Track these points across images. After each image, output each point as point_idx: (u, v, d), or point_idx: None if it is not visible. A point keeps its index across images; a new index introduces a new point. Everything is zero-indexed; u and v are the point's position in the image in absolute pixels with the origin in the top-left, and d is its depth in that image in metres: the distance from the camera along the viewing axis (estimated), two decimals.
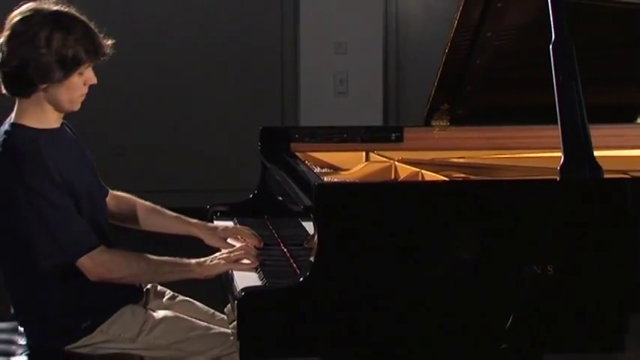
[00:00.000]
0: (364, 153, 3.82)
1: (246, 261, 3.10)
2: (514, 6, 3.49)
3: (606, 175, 2.81)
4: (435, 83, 3.66)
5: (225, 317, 3.22)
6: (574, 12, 2.95)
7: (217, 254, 3.16)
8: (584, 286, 2.77)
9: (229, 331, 3.10)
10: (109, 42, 3.08)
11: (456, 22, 3.50)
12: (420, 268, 2.70)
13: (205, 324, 3.22)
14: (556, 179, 2.80)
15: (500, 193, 2.82)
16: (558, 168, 2.79)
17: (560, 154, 2.80)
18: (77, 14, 3.06)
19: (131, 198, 3.43)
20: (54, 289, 3.09)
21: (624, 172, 3.07)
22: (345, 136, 3.84)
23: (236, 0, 8.61)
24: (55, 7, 3.04)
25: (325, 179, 3.37)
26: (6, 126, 3.08)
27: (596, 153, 2.80)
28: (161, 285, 3.39)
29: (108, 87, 8.10)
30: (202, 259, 3.14)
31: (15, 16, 3.02)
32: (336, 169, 3.71)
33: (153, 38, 8.41)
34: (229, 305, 2.92)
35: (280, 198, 3.61)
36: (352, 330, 2.69)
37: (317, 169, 3.59)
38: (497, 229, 2.75)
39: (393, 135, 3.85)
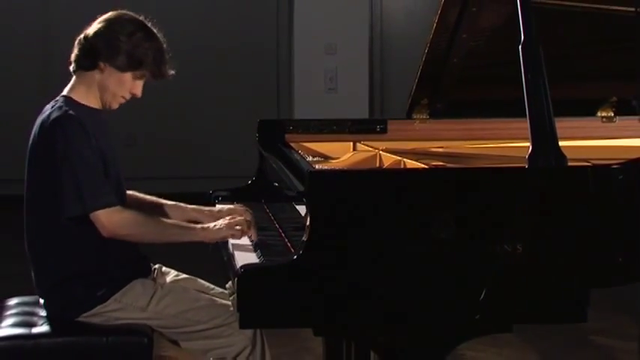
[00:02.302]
0: (352, 143, 3.82)
1: (243, 229, 3.12)
2: (487, 10, 3.48)
3: (570, 164, 2.81)
4: (416, 80, 3.66)
5: (226, 291, 3.22)
6: (541, 15, 2.95)
7: (220, 221, 3.17)
8: (550, 264, 2.77)
9: (229, 302, 3.11)
10: (172, 72, 3.23)
11: (435, 25, 3.50)
12: (401, 247, 2.70)
13: (208, 296, 3.23)
14: (525, 167, 2.80)
15: (474, 179, 2.82)
16: (527, 157, 2.79)
17: (528, 144, 2.80)
18: (161, 34, 3.22)
19: (137, 195, 3.43)
20: (72, 257, 3.11)
21: (586, 161, 3.08)
22: (335, 127, 3.83)
23: (236, 6, 8.64)
24: (147, 21, 3.21)
25: (317, 167, 3.37)
26: (59, 98, 3.18)
27: (560, 143, 2.80)
28: (166, 266, 3.39)
29: None
30: (206, 225, 3.17)
31: (111, 12, 3.19)
32: (326, 158, 3.70)
33: (164, 42, 8.42)
34: (230, 282, 2.92)
35: (276, 184, 3.60)
36: (339, 302, 2.69)
37: (309, 158, 3.59)
38: (471, 212, 2.75)
39: (378, 127, 3.84)
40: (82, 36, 3.16)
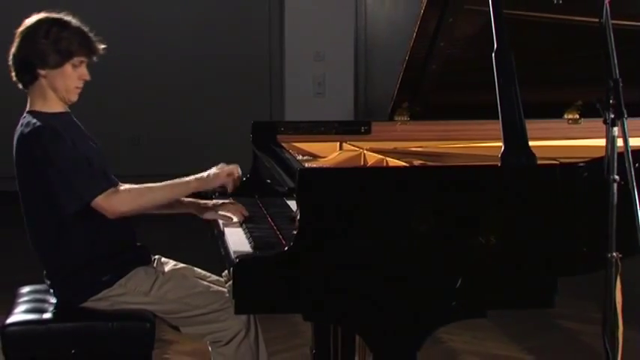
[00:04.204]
0: (338, 143, 3.80)
1: (233, 216, 3.15)
2: (463, 21, 3.48)
3: (539, 162, 2.80)
4: (397, 85, 3.65)
5: (222, 279, 3.22)
6: (513, 25, 2.94)
7: (212, 170, 3.20)
8: (520, 254, 2.77)
9: (225, 289, 3.10)
10: (102, 46, 3.14)
11: (415, 34, 3.49)
12: (384, 239, 2.69)
13: (206, 283, 3.22)
14: (498, 165, 2.79)
15: (451, 176, 2.81)
16: (499, 156, 2.78)
17: (501, 144, 2.80)
18: (75, 20, 3.13)
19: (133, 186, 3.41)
20: (74, 250, 3.09)
21: (554, 159, 3.07)
22: (323, 129, 3.82)
23: (232, 17, 8.66)
24: (57, 15, 3.13)
25: (306, 165, 3.36)
26: (25, 115, 3.14)
27: (530, 143, 2.79)
28: (165, 257, 3.38)
29: (127, 90, 8.12)
30: (199, 175, 3.20)
31: (24, 23, 3.13)
32: (315, 157, 3.69)
33: (167, 51, 8.46)
34: (226, 271, 2.90)
35: (269, 181, 3.59)
36: (327, 290, 2.68)
37: (299, 157, 3.57)
38: (449, 206, 2.74)
39: (362, 128, 3.83)
40: (10, 57, 3.12)
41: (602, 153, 2.70)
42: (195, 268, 3.34)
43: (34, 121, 3.07)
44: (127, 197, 3.06)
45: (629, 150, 2.65)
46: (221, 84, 8.65)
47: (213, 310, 3.12)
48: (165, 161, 8.49)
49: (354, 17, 8.52)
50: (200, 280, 3.23)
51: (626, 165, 2.63)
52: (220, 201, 3.43)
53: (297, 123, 3.91)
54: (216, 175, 3.17)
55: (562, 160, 3.03)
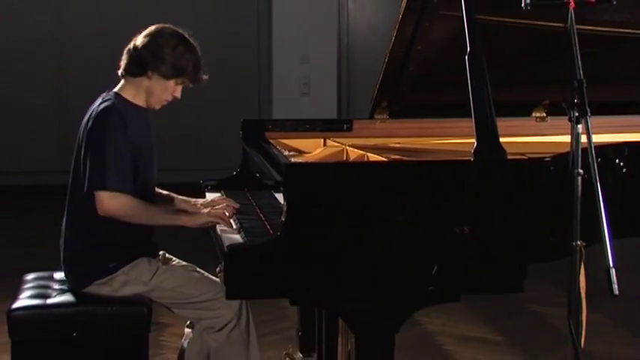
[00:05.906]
0: (322, 140, 3.81)
1: (224, 215, 3.09)
2: (438, 25, 3.48)
3: (509, 157, 2.81)
4: (377, 85, 3.65)
5: (217, 272, 3.21)
6: (484, 30, 2.95)
7: (203, 210, 3.16)
8: (491, 243, 2.77)
9: (218, 280, 3.10)
10: (205, 77, 3.21)
11: (393, 38, 3.49)
12: (365, 229, 2.69)
13: (200, 274, 3.22)
14: (470, 160, 2.80)
15: (427, 170, 2.82)
16: (472, 151, 2.79)
17: (473, 140, 2.80)
18: (197, 46, 3.20)
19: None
20: (98, 226, 3.08)
21: (523, 154, 3.08)
22: (308, 126, 3.83)
23: (224, 22, 8.65)
24: (186, 34, 3.21)
25: (292, 160, 3.36)
26: (110, 93, 3.17)
27: (501, 139, 2.80)
28: (168, 252, 3.37)
29: None
30: (190, 213, 3.19)
31: (155, 25, 3.18)
32: (300, 152, 3.69)
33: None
34: (219, 266, 2.90)
35: (257, 175, 3.59)
36: (312, 276, 2.68)
37: (286, 152, 3.58)
38: (425, 198, 2.74)
39: (345, 126, 3.84)
40: (130, 47, 3.14)
41: (567, 149, 2.71)
42: (196, 267, 3.33)
43: (114, 101, 3.10)
44: (124, 205, 3.04)
45: (593, 146, 2.66)
46: (213, 84, 8.60)
47: (207, 299, 3.11)
48: (161, 156, 8.48)
49: (337, 22, 8.52)
50: (195, 272, 3.22)
51: (589, 160, 2.64)
52: (210, 199, 3.41)
53: (284, 121, 3.91)
54: (201, 216, 3.12)
55: (530, 155, 3.04)
